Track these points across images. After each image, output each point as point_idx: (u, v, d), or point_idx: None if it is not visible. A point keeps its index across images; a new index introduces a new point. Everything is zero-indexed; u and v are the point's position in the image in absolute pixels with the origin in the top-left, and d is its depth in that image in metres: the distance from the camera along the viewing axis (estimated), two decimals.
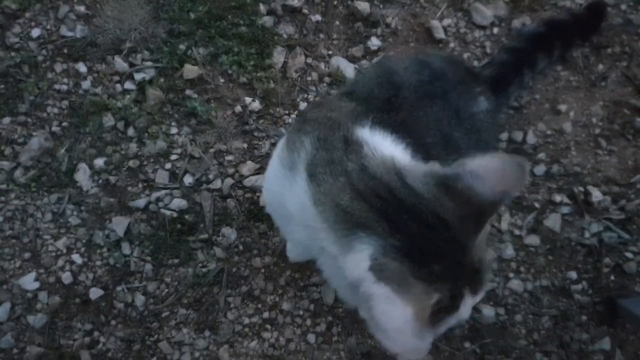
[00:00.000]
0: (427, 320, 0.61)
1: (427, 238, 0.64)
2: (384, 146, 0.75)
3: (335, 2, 1.52)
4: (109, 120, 1.39)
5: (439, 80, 0.92)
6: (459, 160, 0.68)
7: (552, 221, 1.34)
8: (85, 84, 1.42)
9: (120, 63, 1.43)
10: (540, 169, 1.38)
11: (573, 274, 1.31)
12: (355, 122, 0.79)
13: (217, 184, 1.35)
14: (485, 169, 0.63)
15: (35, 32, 1.46)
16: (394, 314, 0.60)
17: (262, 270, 1.29)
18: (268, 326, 1.25)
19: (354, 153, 0.73)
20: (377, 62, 1.08)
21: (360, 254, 0.65)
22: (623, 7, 1.52)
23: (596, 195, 1.35)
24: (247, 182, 1.35)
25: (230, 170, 1.37)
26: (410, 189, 0.66)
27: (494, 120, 1.00)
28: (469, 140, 0.92)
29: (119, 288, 1.27)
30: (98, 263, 1.29)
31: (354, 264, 0.65)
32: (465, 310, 0.67)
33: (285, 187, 0.79)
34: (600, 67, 1.46)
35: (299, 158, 0.77)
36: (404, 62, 0.98)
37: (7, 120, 1.39)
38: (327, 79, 1.45)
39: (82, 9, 1.48)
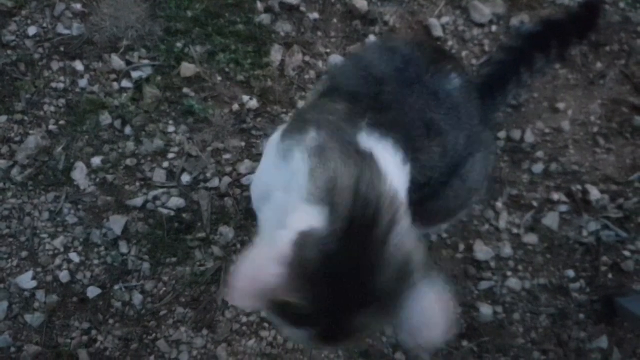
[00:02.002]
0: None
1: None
2: (387, 162, 0.74)
3: (332, 0, 1.52)
4: (105, 118, 1.39)
5: (411, 64, 0.91)
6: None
7: (550, 219, 1.34)
8: (82, 82, 1.42)
9: (117, 61, 1.43)
10: (538, 167, 1.38)
11: (571, 272, 1.31)
12: (354, 128, 0.78)
13: (215, 182, 1.35)
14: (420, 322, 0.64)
15: (32, 30, 1.45)
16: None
17: None
18: (266, 324, 1.25)
19: (366, 165, 0.73)
20: (348, 55, 1.05)
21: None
22: (621, 4, 1.51)
23: (594, 193, 1.35)
24: (245, 181, 1.35)
25: (228, 169, 1.36)
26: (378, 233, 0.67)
27: (470, 95, 0.99)
28: (450, 120, 0.91)
29: (116, 287, 1.27)
30: (95, 262, 1.29)
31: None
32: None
33: (276, 177, 0.79)
34: (599, 65, 1.46)
35: (298, 150, 0.77)
36: (373, 51, 0.96)
37: (3, 118, 1.38)
38: (324, 77, 1.45)
39: (78, 6, 1.48)
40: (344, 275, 0.63)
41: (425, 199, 0.89)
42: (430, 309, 0.64)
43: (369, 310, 0.64)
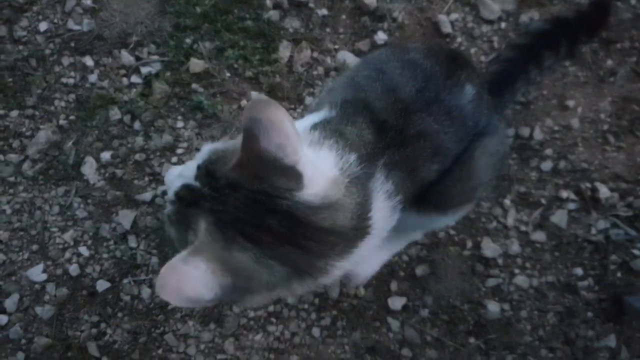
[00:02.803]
0: None
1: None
2: (378, 203, 0.77)
3: None
4: (115, 113, 1.40)
5: (431, 82, 0.90)
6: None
7: (559, 217, 1.33)
8: (92, 78, 1.43)
9: (126, 57, 1.44)
10: (547, 165, 1.37)
11: (579, 271, 1.30)
12: (373, 165, 0.79)
13: None
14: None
15: (43, 26, 1.46)
16: None
17: None
18: (273, 319, 1.26)
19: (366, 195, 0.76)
20: (371, 59, 1.01)
21: None
22: (632, 1, 1.50)
23: (603, 191, 1.34)
24: None
25: None
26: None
27: (481, 99, 0.98)
28: (457, 136, 0.90)
29: (125, 281, 1.28)
30: (105, 256, 1.30)
31: None
32: None
33: None
34: (609, 62, 1.45)
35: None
36: (396, 65, 0.93)
37: (15, 113, 1.40)
38: (333, 73, 1.45)
39: (88, 2, 1.49)
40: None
41: (423, 189, 0.89)
42: None
43: None
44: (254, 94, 0.65)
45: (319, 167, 0.72)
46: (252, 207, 0.66)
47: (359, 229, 0.74)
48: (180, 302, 0.63)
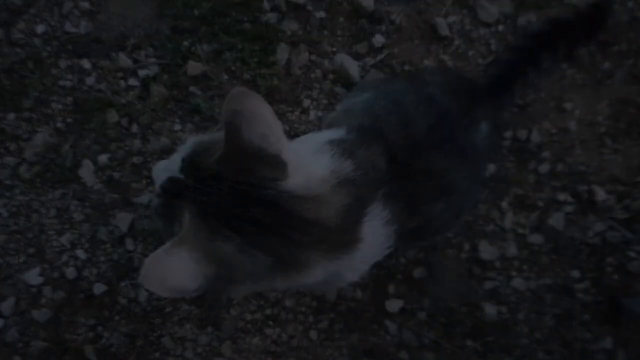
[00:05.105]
0: None
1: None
2: (372, 232, 0.78)
3: None
4: (113, 116, 1.40)
5: (446, 120, 0.90)
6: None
7: (556, 220, 1.33)
8: (90, 80, 1.43)
9: (124, 59, 1.44)
10: (544, 168, 1.37)
11: (576, 273, 1.30)
12: (374, 193, 0.79)
13: None
14: None
15: (40, 28, 1.46)
16: None
17: None
18: (271, 322, 1.26)
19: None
20: (394, 95, 0.98)
21: None
22: (630, 4, 1.50)
23: (600, 194, 1.34)
24: None
25: None
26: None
27: (493, 139, 0.98)
28: (468, 175, 0.91)
29: (122, 284, 1.28)
30: (102, 259, 1.30)
31: None
32: None
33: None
34: (607, 65, 1.45)
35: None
36: (412, 99, 0.94)
37: (12, 116, 1.39)
38: (331, 76, 1.45)
39: (86, 5, 1.48)
40: None
41: (414, 230, 0.90)
42: None
43: None
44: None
45: (310, 163, 0.73)
46: (236, 197, 0.66)
47: (347, 233, 0.74)
48: (165, 293, 0.63)
